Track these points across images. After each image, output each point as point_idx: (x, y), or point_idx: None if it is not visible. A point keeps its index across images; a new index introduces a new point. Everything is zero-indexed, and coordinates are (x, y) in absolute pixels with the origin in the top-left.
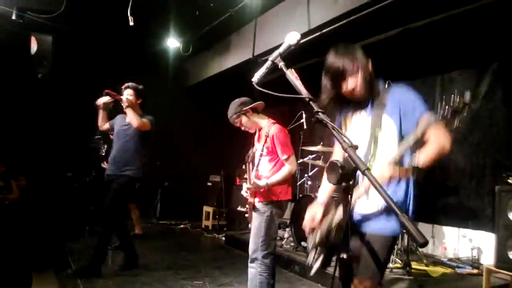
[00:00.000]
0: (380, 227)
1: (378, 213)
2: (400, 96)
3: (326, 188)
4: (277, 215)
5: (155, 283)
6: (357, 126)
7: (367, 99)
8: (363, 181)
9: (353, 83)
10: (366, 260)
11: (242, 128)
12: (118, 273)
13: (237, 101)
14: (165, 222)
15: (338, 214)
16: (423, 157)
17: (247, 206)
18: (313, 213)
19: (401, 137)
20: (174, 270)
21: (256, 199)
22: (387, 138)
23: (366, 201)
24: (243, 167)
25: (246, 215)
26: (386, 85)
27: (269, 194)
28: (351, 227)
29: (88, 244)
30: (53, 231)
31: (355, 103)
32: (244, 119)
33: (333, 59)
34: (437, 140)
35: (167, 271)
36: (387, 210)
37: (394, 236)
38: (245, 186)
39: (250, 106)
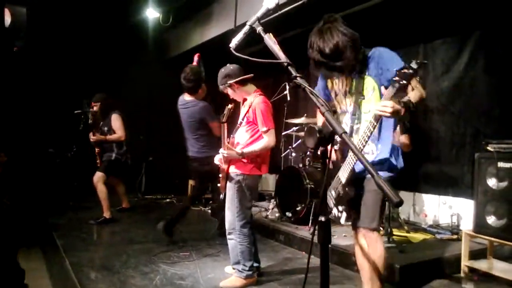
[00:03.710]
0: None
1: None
2: (379, 55)
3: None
4: (248, 187)
5: (141, 255)
6: (343, 89)
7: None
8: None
9: (344, 57)
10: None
11: (230, 97)
12: (103, 247)
13: (223, 71)
14: (150, 196)
15: (340, 176)
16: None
17: (220, 174)
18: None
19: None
20: (160, 242)
21: (231, 167)
22: (370, 98)
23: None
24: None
25: (219, 184)
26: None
27: (243, 166)
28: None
29: (72, 219)
30: (37, 207)
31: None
32: (229, 91)
33: (317, 37)
34: (419, 89)
35: (153, 243)
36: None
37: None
38: (220, 152)
39: (236, 80)
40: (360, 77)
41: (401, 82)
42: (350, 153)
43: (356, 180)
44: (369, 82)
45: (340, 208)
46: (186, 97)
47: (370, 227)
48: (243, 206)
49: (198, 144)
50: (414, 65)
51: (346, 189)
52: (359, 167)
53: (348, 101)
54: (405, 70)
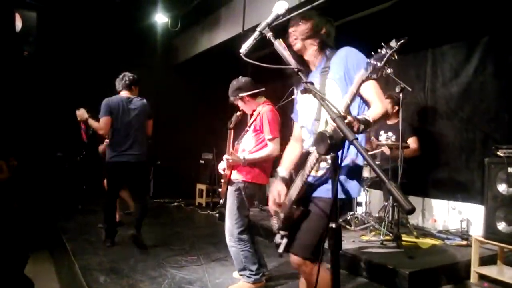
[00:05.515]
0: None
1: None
2: (343, 56)
3: (287, 163)
4: (248, 195)
5: (149, 258)
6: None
7: (316, 65)
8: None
9: (298, 45)
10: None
11: (240, 108)
12: (112, 250)
13: (235, 84)
14: (158, 200)
15: (291, 193)
16: (372, 114)
17: (222, 180)
18: (276, 192)
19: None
20: (169, 246)
21: (234, 172)
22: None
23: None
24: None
25: (220, 189)
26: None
27: (245, 173)
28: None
29: (81, 222)
30: (46, 211)
31: (308, 71)
32: (240, 103)
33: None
34: (381, 103)
35: (161, 247)
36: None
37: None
38: (224, 157)
39: (247, 93)
40: (321, 80)
41: (375, 65)
42: (306, 166)
43: (306, 199)
44: (330, 84)
45: (283, 233)
46: (126, 95)
47: (302, 256)
48: (241, 214)
49: (143, 146)
50: (392, 43)
51: (294, 206)
52: (315, 182)
53: (312, 106)
54: (381, 50)
